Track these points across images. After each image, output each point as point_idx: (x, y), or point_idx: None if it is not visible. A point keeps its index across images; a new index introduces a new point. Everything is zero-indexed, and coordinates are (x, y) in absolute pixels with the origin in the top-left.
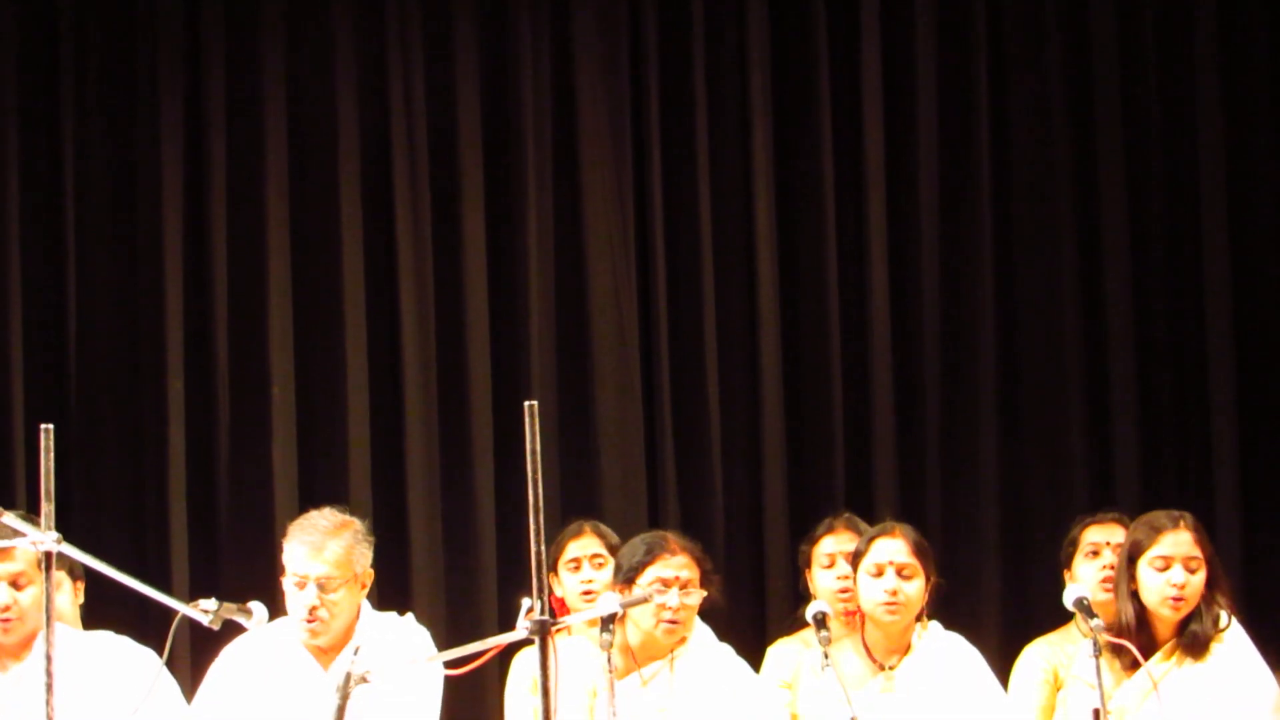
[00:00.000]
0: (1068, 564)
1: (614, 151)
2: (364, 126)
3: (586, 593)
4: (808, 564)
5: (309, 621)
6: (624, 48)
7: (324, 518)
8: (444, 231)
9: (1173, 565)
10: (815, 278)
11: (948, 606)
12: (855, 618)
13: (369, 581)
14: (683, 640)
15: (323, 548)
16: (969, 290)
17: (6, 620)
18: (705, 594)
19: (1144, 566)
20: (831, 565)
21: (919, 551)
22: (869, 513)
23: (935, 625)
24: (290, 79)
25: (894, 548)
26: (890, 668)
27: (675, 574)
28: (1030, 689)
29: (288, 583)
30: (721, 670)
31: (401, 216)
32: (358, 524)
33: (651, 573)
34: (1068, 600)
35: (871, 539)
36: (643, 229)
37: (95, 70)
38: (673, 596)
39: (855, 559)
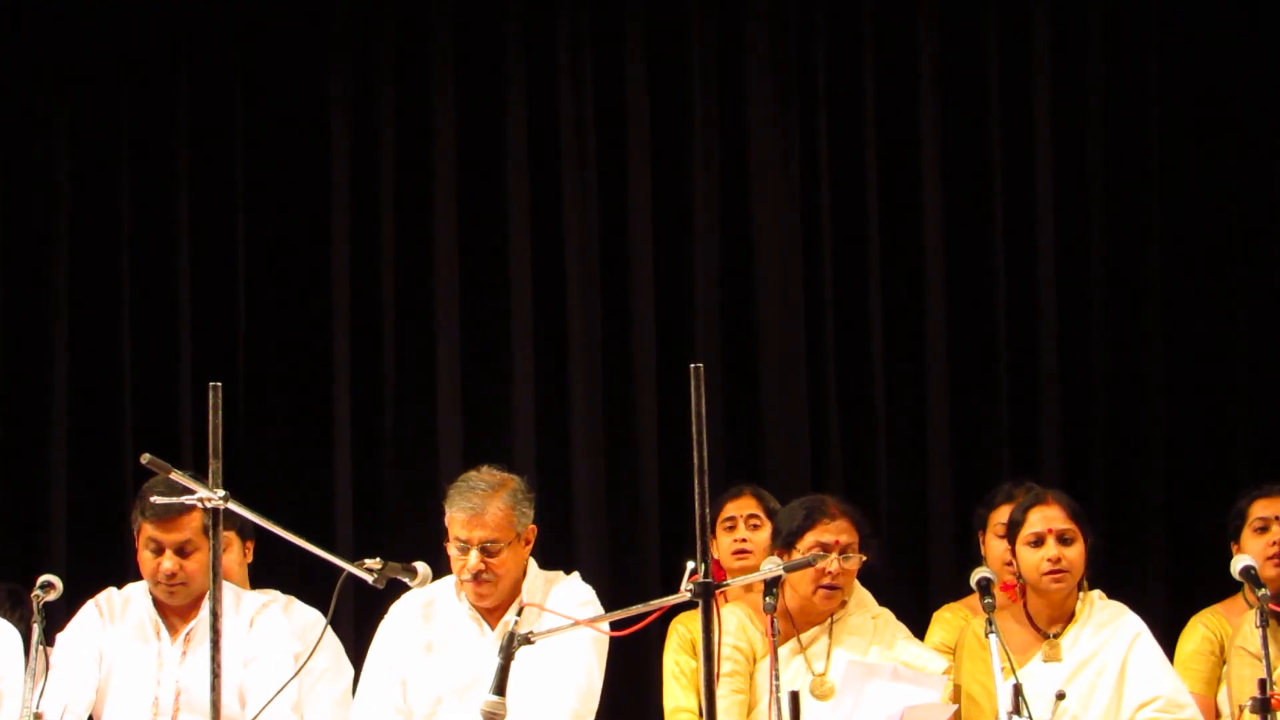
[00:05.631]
0: (1235, 537)
1: (781, 115)
2: (531, 97)
3: (739, 552)
4: (983, 527)
5: (475, 585)
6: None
7: (482, 479)
8: (609, 195)
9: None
10: (981, 244)
11: (1112, 575)
12: (1013, 592)
13: (532, 538)
14: (842, 605)
15: (484, 511)
16: (1136, 263)
17: (173, 585)
18: (864, 558)
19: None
20: (1005, 535)
21: (1075, 516)
22: (1034, 478)
23: (1098, 594)
24: (459, 55)
25: (1052, 515)
26: (1054, 636)
27: (835, 538)
28: (1197, 659)
29: (452, 548)
30: (880, 635)
31: (568, 182)
32: (516, 481)
33: (811, 538)
34: (1235, 570)
35: (1027, 509)
36: (809, 193)
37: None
38: (832, 562)
39: (1011, 530)
